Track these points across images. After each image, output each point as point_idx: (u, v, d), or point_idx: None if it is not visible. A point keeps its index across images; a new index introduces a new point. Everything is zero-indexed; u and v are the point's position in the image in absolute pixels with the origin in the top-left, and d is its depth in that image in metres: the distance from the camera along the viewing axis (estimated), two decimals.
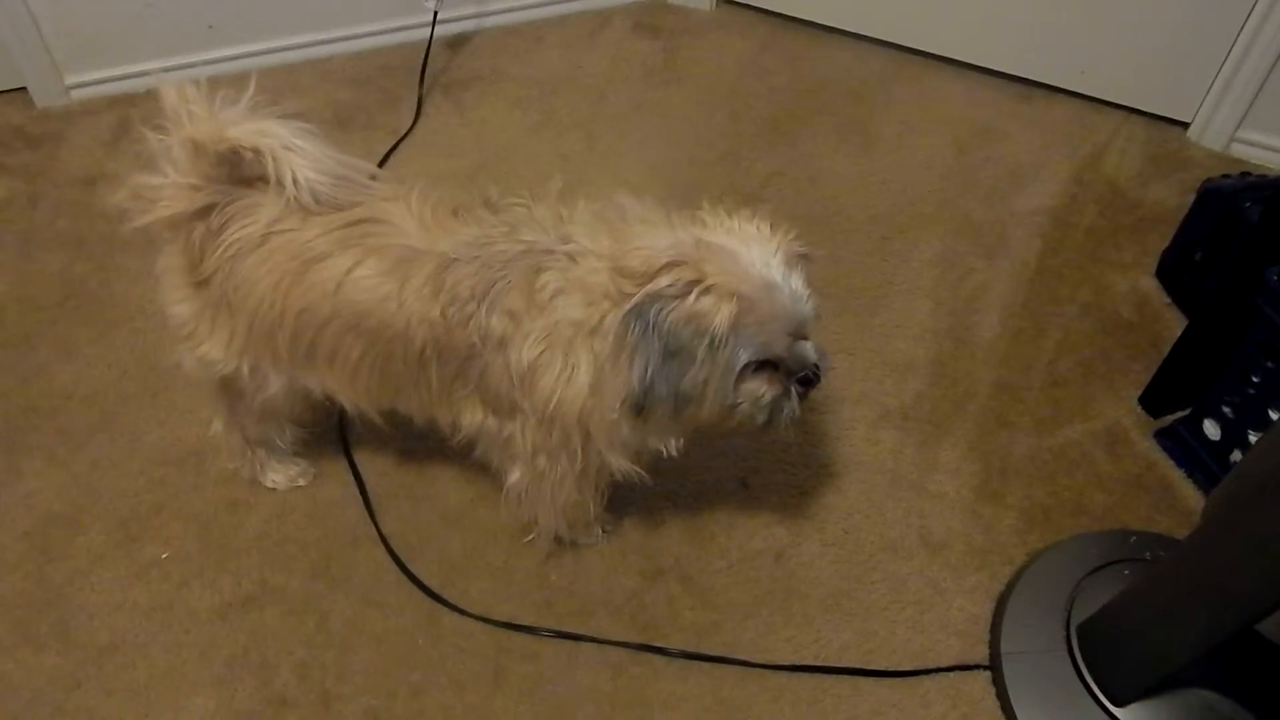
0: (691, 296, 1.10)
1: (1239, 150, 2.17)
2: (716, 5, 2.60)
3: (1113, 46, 2.20)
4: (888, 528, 1.55)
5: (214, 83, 1.22)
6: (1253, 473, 1.09)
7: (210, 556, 1.50)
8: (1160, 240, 1.93)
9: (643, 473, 1.31)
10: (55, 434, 1.65)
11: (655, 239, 1.16)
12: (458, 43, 2.47)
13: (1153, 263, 1.93)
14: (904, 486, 1.60)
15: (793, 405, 1.22)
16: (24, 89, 2.26)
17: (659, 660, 1.40)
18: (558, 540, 1.48)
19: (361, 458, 1.62)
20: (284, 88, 2.34)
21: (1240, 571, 1.08)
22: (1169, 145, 2.20)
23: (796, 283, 1.15)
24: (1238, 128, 2.14)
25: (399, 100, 2.30)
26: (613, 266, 1.15)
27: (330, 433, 1.64)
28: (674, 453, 1.28)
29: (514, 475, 1.35)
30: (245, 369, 1.33)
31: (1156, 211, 2.05)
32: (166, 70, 2.31)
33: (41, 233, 1.98)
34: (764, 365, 1.18)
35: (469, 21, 2.50)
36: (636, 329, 1.11)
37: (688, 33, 2.52)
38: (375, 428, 1.45)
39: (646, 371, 1.12)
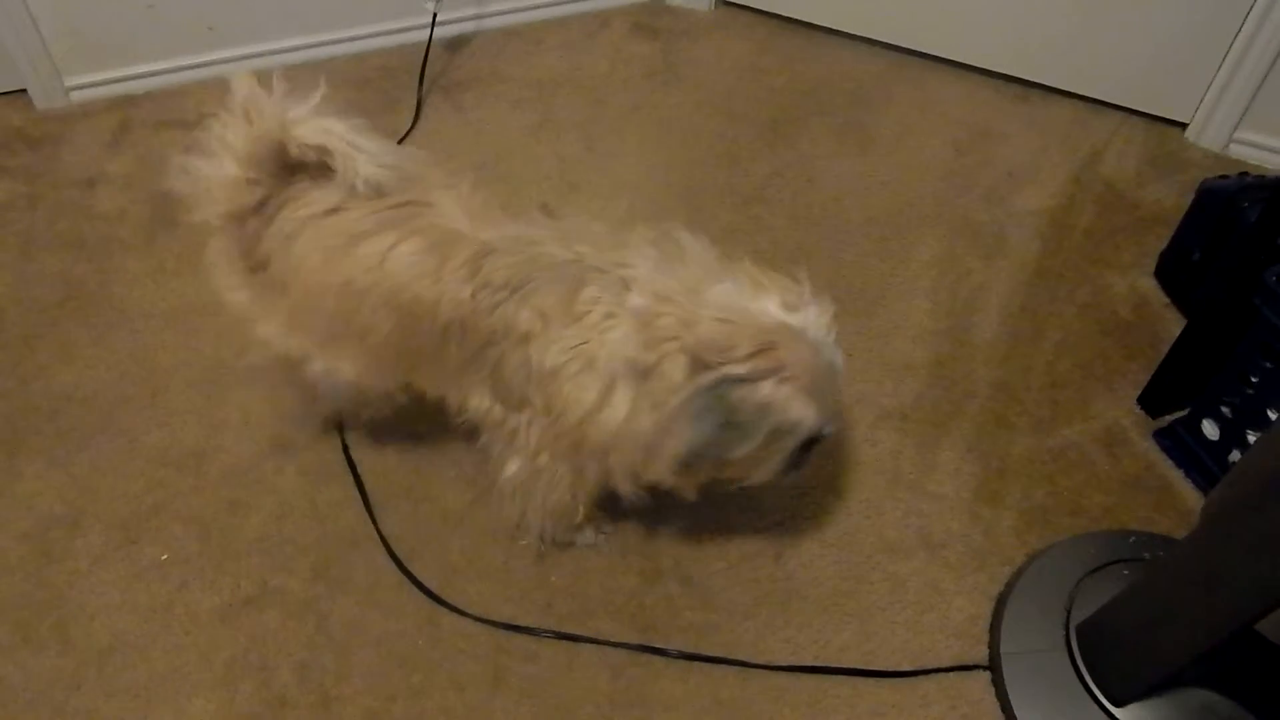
0: (769, 384, 1.12)
1: (1237, 151, 2.17)
2: (715, 7, 2.60)
3: (1111, 47, 2.20)
4: (887, 528, 1.55)
5: (287, 74, 1.25)
6: (1251, 473, 1.09)
7: (210, 558, 1.50)
8: (1159, 241, 1.93)
9: (644, 495, 1.32)
10: (55, 435, 1.65)
11: (732, 305, 1.16)
12: (457, 44, 2.47)
13: (1151, 263, 1.94)
14: (903, 487, 1.60)
15: (808, 457, 1.27)
16: (24, 91, 2.26)
17: (659, 661, 1.40)
18: (544, 539, 1.48)
19: (361, 459, 1.62)
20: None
21: (1239, 571, 1.08)
22: (1167, 146, 2.20)
23: (842, 360, 1.20)
24: (1236, 128, 2.15)
25: (398, 102, 2.30)
26: (684, 318, 1.15)
27: (329, 435, 1.64)
28: (690, 498, 1.31)
29: (511, 468, 1.36)
30: (296, 348, 1.36)
31: (1155, 212, 2.05)
32: (167, 72, 2.32)
33: (41, 234, 1.98)
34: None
35: (468, 23, 2.50)
36: (703, 400, 1.13)
37: (686, 34, 2.53)
38: (384, 420, 1.46)
39: (700, 437, 1.14)
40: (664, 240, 1.25)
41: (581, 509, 1.40)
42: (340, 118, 1.23)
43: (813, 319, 1.18)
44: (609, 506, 1.49)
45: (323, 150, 1.22)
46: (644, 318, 1.17)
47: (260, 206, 1.27)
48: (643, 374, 1.17)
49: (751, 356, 1.12)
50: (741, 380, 1.12)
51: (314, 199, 1.26)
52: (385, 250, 1.23)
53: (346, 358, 1.34)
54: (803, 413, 1.15)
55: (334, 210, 1.26)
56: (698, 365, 1.13)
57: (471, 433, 1.38)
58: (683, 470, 1.20)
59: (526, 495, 1.38)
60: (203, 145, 1.27)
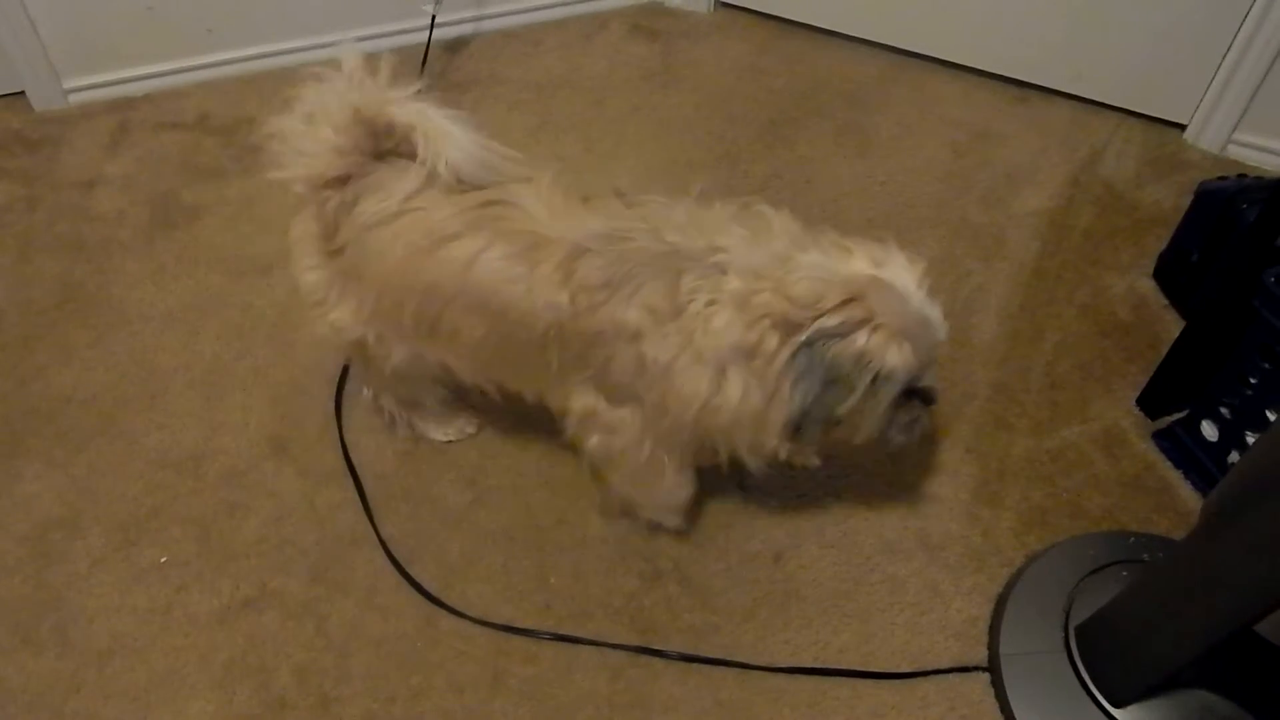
0: (862, 334, 1.14)
1: (1235, 152, 2.17)
2: (714, 8, 2.60)
3: (1109, 49, 2.21)
4: (886, 529, 1.55)
5: (396, 56, 1.28)
6: (1250, 474, 1.09)
7: (209, 560, 1.50)
8: (1157, 242, 1.93)
9: (769, 471, 1.33)
10: (54, 437, 1.65)
11: (819, 266, 1.18)
12: (456, 46, 2.47)
13: (1150, 264, 1.94)
14: (902, 488, 1.60)
15: (925, 422, 1.28)
16: (22, 93, 2.26)
17: (658, 663, 1.40)
18: (626, 511, 1.50)
19: (360, 461, 1.62)
20: (283, 91, 2.33)
21: (1238, 572, 1.08)
22: (1166, 147, 2.21)
23: (939, 315, 1.20)
24: (1234, 130, 2.15)
25: None
26: (776, 289, 1.17)
27: (328, 438, 1.65)
28: (813, 464, 1.34)
29: (604, 445, 1.36)
30: (371, 337, 1.37)
31: (1153, 213, 2.05)
32: (165, 75, 2.32)
33: (40, 236, 1.98)
34: (908, 391, 1.22)
35: (467, 25, 2.50)
36: (803, 360, 1.14)
37: (685, 36, 2.53)
38: (489, 400, 1.48)
39: (806, 399, 1.15)
40: (747, 216, 1.26)
41: (685, 491, 1.43)
42: (439, 105, 1.24)
43: (900, 271, 1.19)
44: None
45: (411, 130, 1.23)
46: (742, 298, 1.18)
47: (343, 181, 1.28)
48: (748, 354, 1.18)
49: (840, 308, 1.14)
50: (835, 335, 1.13)
51: (394, 190, 1.27)
52: (472, 255, 1.24)
53: (436, 352, 1.36)
54: (898, 359, 1.15)
55: (416, 205, 1.26)
56: (790, 327, 1.15)
57: (565, 426, 1.39)
58: (793, 435, 1.20)
59: (629, 480, 1.40)
60: (302, 107, 1.29)
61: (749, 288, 1.18)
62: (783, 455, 1.26)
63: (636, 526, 1.54)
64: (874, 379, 1.16)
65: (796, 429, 1.19)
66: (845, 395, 1.17)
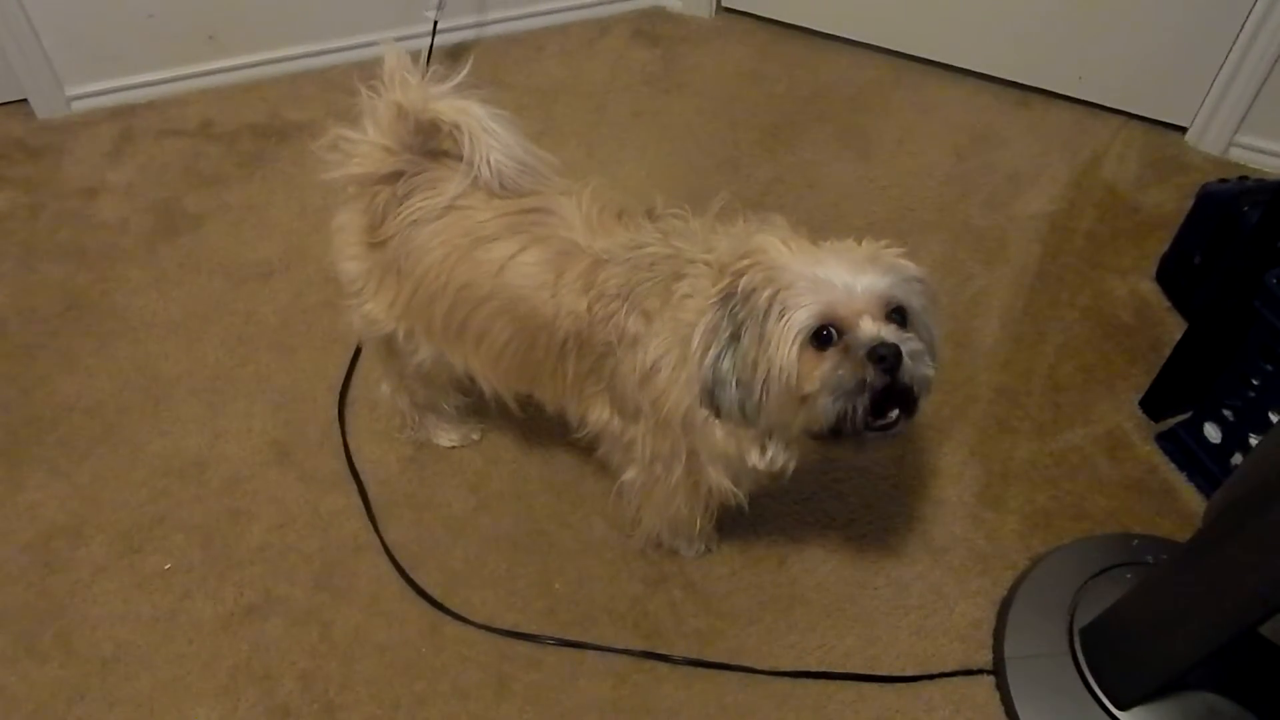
0: (745, 276, 1.11)
1: (1237, 154, 2.17)
2: (716, 13, 2.61)
3: (1111, 52, 2.21)
4: (890, 533, 1.55)
5: (437, 55, 1.27)
6: (1254, 475, 1.09)
7: (213, 567, 1.50)
8: (1159, 244, 1.94)
9: (741, 497, 1.31)
10: (57, 445, 1.65)
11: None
12: (458, 52, 2.48)
13: (1152, 267, 1.94)
14: (905, 492, 1.60)
15: (871, 382, 1.06)
16: (25, 100, 2.27)
17: (662, 667, 1.40)
18: (656, 544, 1.50)
19: (363, 467, 1.62)
20: (285, 97, 2.34)
21: (1242, 574, 1.08)
22: (1167, 150, 2.21)
23: (869, 266, 1.11)
24: (1235, 132, 2.15)
25: None
26: (716, 268, 1.17)
27: (331, 444, 1.65)
28: (775, 467, 1.22)
29: (629, 473, 1.37)
30: (401, 333, 1.38)
31: (1155, 216, 2.05)
32: (167, 81, 2.33)
33: (42, 244, 1.99)
34: (828, 342, 1.08)
35: (469, 31, 2.51)
36: (714, 318, 1.13)
37: (687, 41, 2.53)
38: (505, 410, 1.47)
39: (712, 354, 1.12)
40: (763, 227, 1.24)
41: (699, 520, 1.40)
42: (482, 103, 1.24)
43: (835, 246, 1.16)
44: (720, 524, 1.49)
45: (456, 129, 1.24)
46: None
47: (392, 179, 1.29)
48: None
49: (740, 259, 1.13)
50: (737, 290, 1.11)
51: (444, 188, 1.28)
52: (507, 258, 1.25)
53: (461, 355, 1.36)
54: (770, 286, 1.08)
55: (462, 205, 1.27)
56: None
57: (592, 445, 1.39)
58: (710, 404, 1.14)
59: (645, 502, 1.40)
60: (360, 113, 1.30)
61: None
62: (751, 460, 1.22)
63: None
64: (760, 317, 1.08)
65: (711, 396, 1.13)
66: (743, 344, 1.10)
